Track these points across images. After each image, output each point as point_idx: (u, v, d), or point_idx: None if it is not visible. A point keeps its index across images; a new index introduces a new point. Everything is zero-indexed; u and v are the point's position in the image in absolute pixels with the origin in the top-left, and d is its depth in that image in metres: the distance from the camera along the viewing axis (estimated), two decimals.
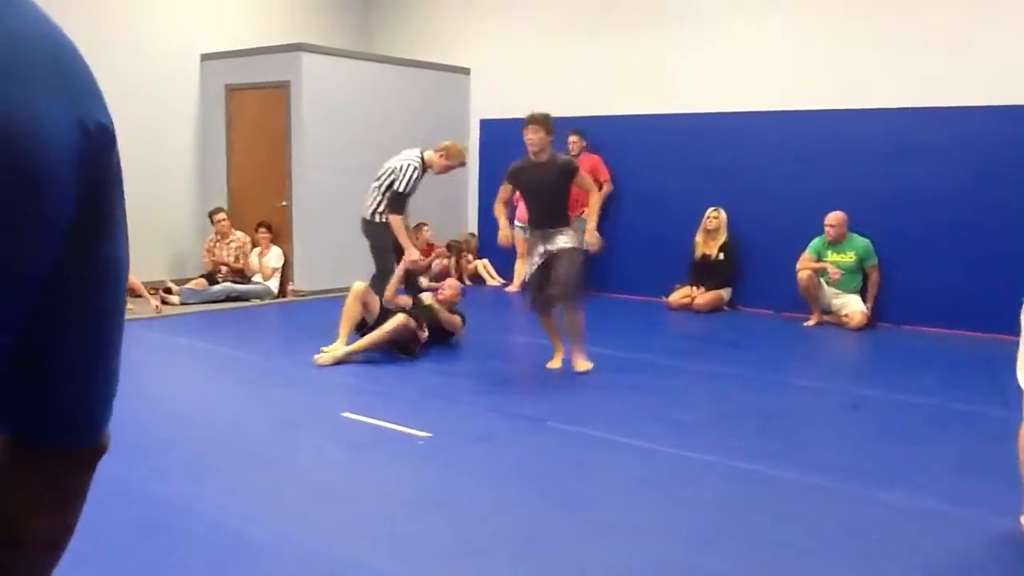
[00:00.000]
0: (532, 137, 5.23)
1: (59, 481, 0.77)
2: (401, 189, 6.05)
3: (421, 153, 6.22)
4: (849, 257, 7.28)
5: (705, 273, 7.97)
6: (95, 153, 0.66)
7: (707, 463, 3.88)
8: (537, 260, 5.43)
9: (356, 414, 4.49)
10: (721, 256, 7.91)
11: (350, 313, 5.77)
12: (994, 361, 6.13)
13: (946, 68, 7.09)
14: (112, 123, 0.70)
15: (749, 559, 2.95)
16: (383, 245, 6.19)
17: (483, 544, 3.05)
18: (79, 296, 0.70)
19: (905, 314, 7.33)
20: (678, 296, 8.00)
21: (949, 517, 3.32)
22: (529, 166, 5.37)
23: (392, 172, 6.11)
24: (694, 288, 7.98)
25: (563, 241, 5.35)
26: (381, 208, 6.12)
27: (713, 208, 7.97)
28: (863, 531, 3.19)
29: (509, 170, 5.49)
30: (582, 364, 5.49)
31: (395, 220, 6.06)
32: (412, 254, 6.17)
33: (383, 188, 6.11)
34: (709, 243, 7.98)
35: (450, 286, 6.20)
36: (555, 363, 5.58)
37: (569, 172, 5.39)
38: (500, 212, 5.56)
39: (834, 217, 7.29)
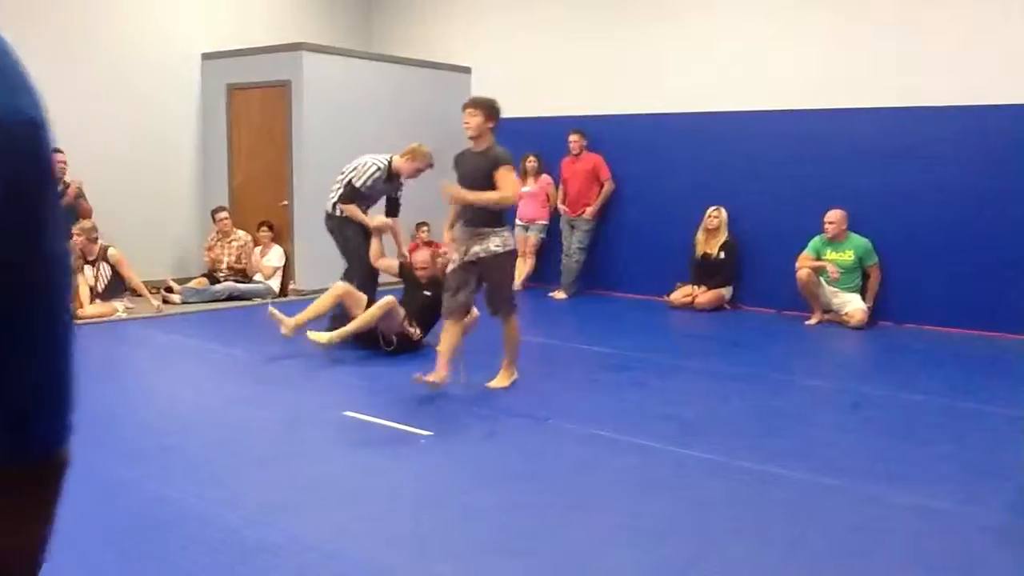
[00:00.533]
0: (468, 121, 4.80)
1: (7, 502, 0.69)
2: (357, 184, 6.12)
3: (390, 158, 6.25)
4: (848, 256, 7.27)
5: (706, 272, 7.96)
6: (20, 146, 0.63)
7: (712, 462, 3.87)
8: (459, 259, 4.89)
9: (358, 413, 4.48)
10: (722, 255, 7.90)
11: (320, 305, 5.91)
12: (998, 360, 6.14)
13: (948, 66, 7.08)
14: (43, 118, 0.67)
15: (755, 559, 2.94)
16: (346, 237, 6.24)
17: (488, 544, 3.04)
18: (16, 296, 0.65)
19: (907, 313, 7.32)
20: (679, 295, 7.99)
21: (957, 516, 3.31)
22: (469, 155, 4.95)
23: (355, 168, 6.20)
24: (695, 287, 7.96)
25: (495, 245, 4.79)
26: (336, 200, 6.22)
27: (714, 207, 7.96)
28: (870, 530, 3.17)
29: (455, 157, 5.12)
30: (504, 379, 5.03)
31: (348, 208, 6.13)
32: (374, 221, 6.19)
33: (344, 182, 6.19)
34: (710, 242, 7.97)
35: (420, 260, 6.05)
36: (435, 377, 4.71)
37: (494, 166, 4.76)
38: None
39: (833, 215, 7.29)
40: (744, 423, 4.53)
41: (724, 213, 7.96)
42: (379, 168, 6.15)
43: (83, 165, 7.91)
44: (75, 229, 7.20)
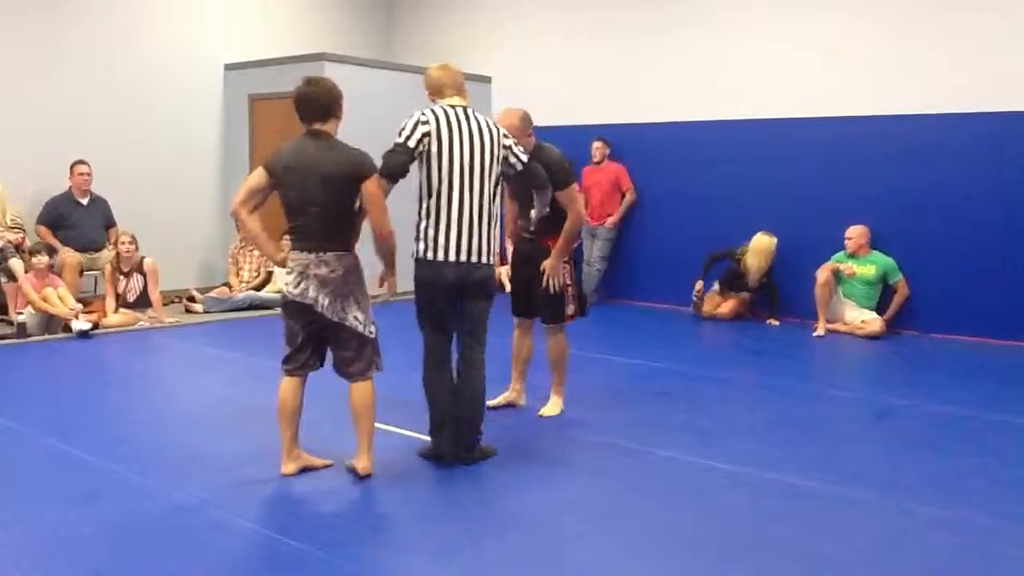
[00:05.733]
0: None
1: None
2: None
3: None
4: (869, 271, 7.21)
5: (739, 287, 7.87)
6: None
7: (736, 474, 3.82)
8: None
9: (378, 423, 4.45)
10: (764, 280, 7.74)
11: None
12: (1022, 369, 6.04)
13: (972, 73, 7.00)
14: None
15: (779, 573, 2.89)
16: None
17: (506, 555, 3.01)
18: None
19: (932, 322, 7.24)
20: (711, 306, 7.91)
21: (987, 530, 3.24)
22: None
23: None
24: (723, 295, 7.90)
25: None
26: None
27: (768, 235, 7.69)
28: (897, 544, 3.11)
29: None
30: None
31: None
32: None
33: None
34: (760, 267, 7.65)
35: None
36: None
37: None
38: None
39: (853, 231, 7.30)
40: (768, 434, 4.48)
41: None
42: None
43: (107, 176, 7.99)
44: (125, 237, 7.24)
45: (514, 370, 4.86)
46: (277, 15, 9.68)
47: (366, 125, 8.90)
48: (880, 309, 7.26)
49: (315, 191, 3.53)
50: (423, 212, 3.82)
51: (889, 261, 7.23)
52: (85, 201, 7.79)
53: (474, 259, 3.81)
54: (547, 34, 9.47)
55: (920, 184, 7.25)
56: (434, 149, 3.74)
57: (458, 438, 3.91)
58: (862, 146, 7.52)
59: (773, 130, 7.96)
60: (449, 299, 3.88)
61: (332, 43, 9.70)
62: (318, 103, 3.61)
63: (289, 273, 3.63)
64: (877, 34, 7.44)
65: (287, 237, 3.72)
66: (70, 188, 7.76)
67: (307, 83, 3.64)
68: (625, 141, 8.77)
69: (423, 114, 3.78)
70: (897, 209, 7.34)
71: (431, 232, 3.79)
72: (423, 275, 3.85)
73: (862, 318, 7.18)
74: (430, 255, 3.79)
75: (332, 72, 8.40)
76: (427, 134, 3.74)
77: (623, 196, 8.71)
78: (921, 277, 7.23)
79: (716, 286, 7.99)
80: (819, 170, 7.76)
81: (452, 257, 3.77)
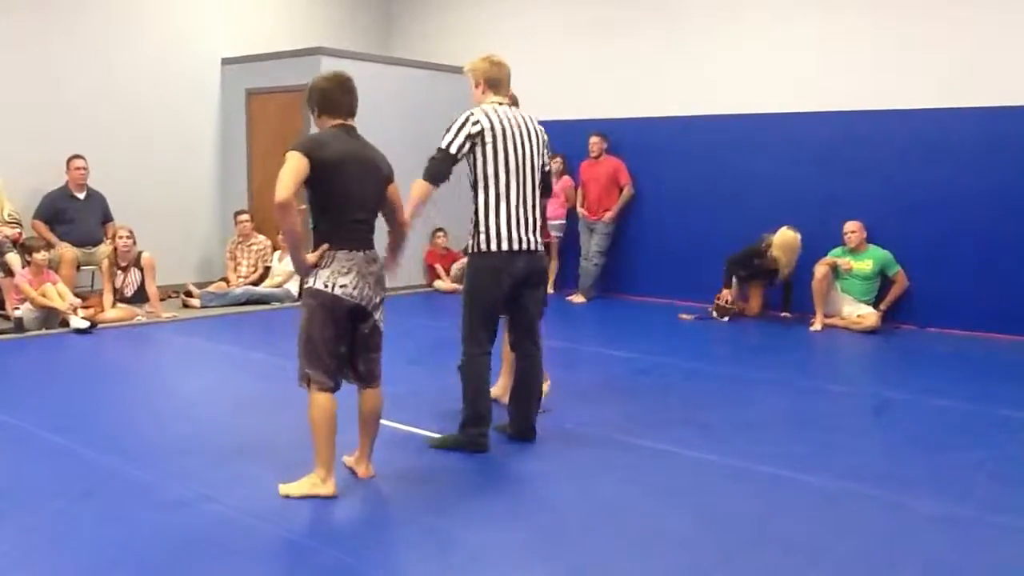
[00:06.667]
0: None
1: None
2: None
3: None
4: (867, 266, 7.22)
5: (761, 282, 7.80)
6: None
7: (734, 468, 3.82)
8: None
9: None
10: (784, 276, 7.67)
11: None
12: (1022, 364, 6.05)
13: (970, 69, 7.00)
14: None
15: (778, 567, 2.89)
16: None
17: (508, 549, 3.01)
18: None
19: (930, 316, 7.25)
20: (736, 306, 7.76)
21: (987, 525, 3.25)
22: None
23: None
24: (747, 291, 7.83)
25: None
26: None
27: (795, 232, 7.51)
28: (897, 539, 3.11)
29: None
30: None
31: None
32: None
33: None
34: (790, 262, 7.55)
35: None
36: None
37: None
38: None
39: (852, 225, 7.31)
40: (767, 428, 4.48)
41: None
42: None
43: (104, 170, 7.96)
44: (122, 232, 7.24)
45: (505, 363, 4.86)
46: (275, 9, 9.65)
47: (364, 120, 8.90)
48: (878, 303, 7.27)
49: (372, 188, 3.45)
50: (483, 205, 3.91)
51: (886, 255, 7.23)
52: (82, 196, 7.77)
53: (537, 248, 4.01)
54: (545, 28, 9.45)
55: (918, 179, 7.26)
56: (489, 146, 3.86)
57: (529, 426, 4.14)
58: (860, 141, 7.52)
59: (772, 125, 7.95)
60: (513, 290, 3.97)
61: (330, 37, 9.68)
62: (356, 96, 3.53)
63: (345, 273, 3.34)
64: (875, 30, 7.43)
65: (282, 237, 3.67)
66: (67, 183, 7.74)
67: (341, 76, 3.54)
68: (623, 136, 8.76)
69: (472, 115, 3.88)
70: (895, 204, 7.35)
71: (494, 224, 3.89)
72: (491, 266, 3.92)
73: (859, 312, 7.19)
74: (494, 246, 3.89)
75: (329, 66, 8.33)
76: (478, 134, 3.85)
77: (621, 191, 8.71)
78: (918, 271, 7.24)
79: (733, 284, 7.74)
80: (817, 165, 7.76)
81: (522, 246, 3.93)
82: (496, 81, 4.02)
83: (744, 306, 7.84)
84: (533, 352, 4.11)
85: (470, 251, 4.00)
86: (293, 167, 3.28)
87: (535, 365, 4.13)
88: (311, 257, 3.35)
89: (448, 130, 3.88)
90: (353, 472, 3.67)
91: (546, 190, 4.20)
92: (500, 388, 4.81)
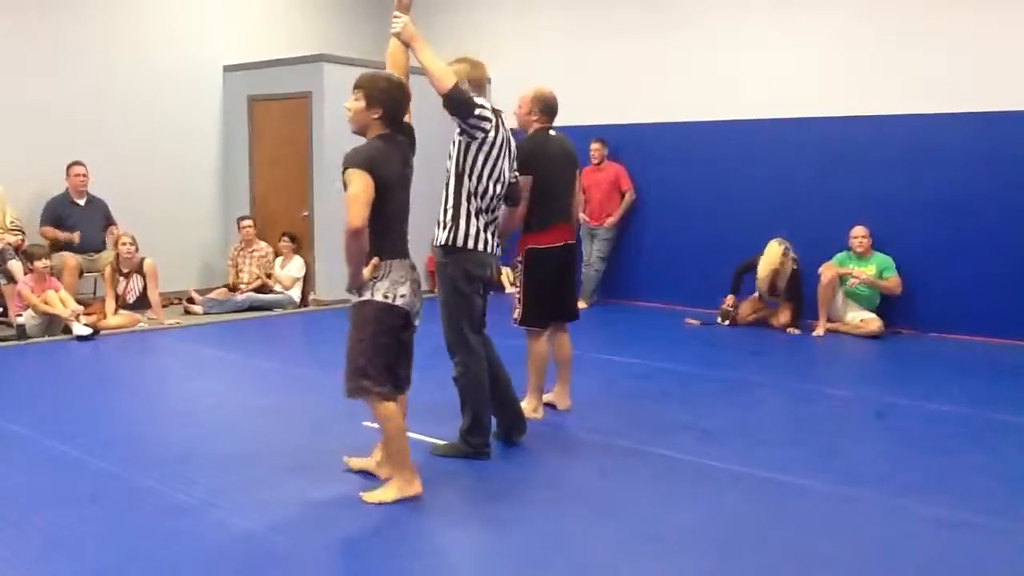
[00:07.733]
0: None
1: None
2: None
3: None
4: (871, 272, 7.22)
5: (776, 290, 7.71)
6: None
7: (735, 473, 3.82)
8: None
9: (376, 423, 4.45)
10: (780, 289, 7.55)
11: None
12: (1022, 369, 6.04)
13: (973, 73, 7.00)
14: None
15: (778, 572, 2.89)
16: None
17: (506, 553, 3.01)
18: None
19: (932, 321, 7.24)
20: (748, 311, 7.66)
21: (989, 529, 3.25)
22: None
23: None
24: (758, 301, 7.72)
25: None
26: None
27: (778, 244, 7.42)
28: (896, 543, 3.11)
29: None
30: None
31: None
32: None
33: None
34: (764, 276, 7.45)
35: None
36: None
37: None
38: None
39: (859, 230, 7.29)
40: (767, 433, 4.48)
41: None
42: None
43: (106, 177, 7.99)
44: (125, 238, 7.27)
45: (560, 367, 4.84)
46: (277, 16, 9.67)
47: None
48: (881, 310, 7.25)
49: (407, 194, 3.44)
50: (465, 198, 3.79)
51: (887, 259, 7.22)
52: (83, 202, 7.78)
53: (498, 252, 3.97)
54: (546, 35, 9.47)
55: (920, 184, 7.26)
56: (488, 144, 3.78)
57: (518, 424, 4.15)
58: (863, 146, 7.52)
59: (773, 130, 7.96)
60: (485, 292, 3.95)
61: (332, 44, 9.70)
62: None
63: (403, 283, 3.33)
64: (877, 33, 7.44)
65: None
66: (67, 190, 7.76)
67: (399, 79, 3.48)
68: (625, 142, 8.78)
69: (484, 106, 3.77)
70: (897, 208, 7.35)
71: (474, 222, 3.80)
72: (471, 266, 3.81)
73: (861, 317, 7.19)
74: (471, 244, 3.79)
75: (331, 74, 8.41)
76: (486, 122, 3.76)
77: (623, 196, 8.72)
78: (921, 276, 7.24)
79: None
80: (819, 170, 7.76)
81: (494, 249, 3.89)
82: (479, 82, 3.97)
83: (756, 309, 7.74)
84: (494, 353, 4.11)
85: (447, 243, 3.79)
86: (363, 189, 3.20)
87: (494, 355, 4.09)
88: (366, 272, 3.29)
89: (479, 101, 3.74)
90: (359, 471, 3.71)
91: (515, 200, 4.14)
92: (555, 395, 4.83)
